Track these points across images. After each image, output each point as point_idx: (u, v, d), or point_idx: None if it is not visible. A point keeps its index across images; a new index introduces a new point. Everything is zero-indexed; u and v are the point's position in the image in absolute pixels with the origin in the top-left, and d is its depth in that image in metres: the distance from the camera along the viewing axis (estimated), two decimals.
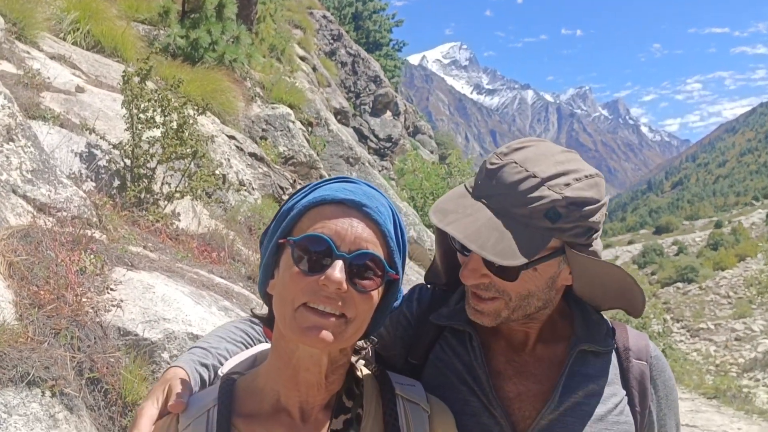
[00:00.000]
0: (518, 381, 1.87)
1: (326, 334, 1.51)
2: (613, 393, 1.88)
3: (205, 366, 1.82)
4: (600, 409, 1.85)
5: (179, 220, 7.34)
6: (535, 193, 1.69)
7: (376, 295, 1.61)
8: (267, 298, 1.72)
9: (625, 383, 1.92)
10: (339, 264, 1.52)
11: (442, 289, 2.09)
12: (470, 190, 1.81)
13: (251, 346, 1.94)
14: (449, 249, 1.94)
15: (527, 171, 1.72)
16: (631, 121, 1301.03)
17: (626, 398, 1.91)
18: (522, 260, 1.66)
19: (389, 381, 1.76)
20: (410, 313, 2.04)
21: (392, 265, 1.64)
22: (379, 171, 22.20)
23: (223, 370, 1.82)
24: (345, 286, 1.52)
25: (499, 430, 1.83)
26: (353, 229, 1.57)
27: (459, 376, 1.89)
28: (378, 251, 1.59)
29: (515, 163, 1.74)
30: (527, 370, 1.89)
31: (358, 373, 1.78)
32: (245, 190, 9.83)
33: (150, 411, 1.66)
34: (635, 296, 1.89)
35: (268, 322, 1.76)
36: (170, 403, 1.64)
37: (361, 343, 1.77)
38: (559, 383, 1.84)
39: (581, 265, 1.78)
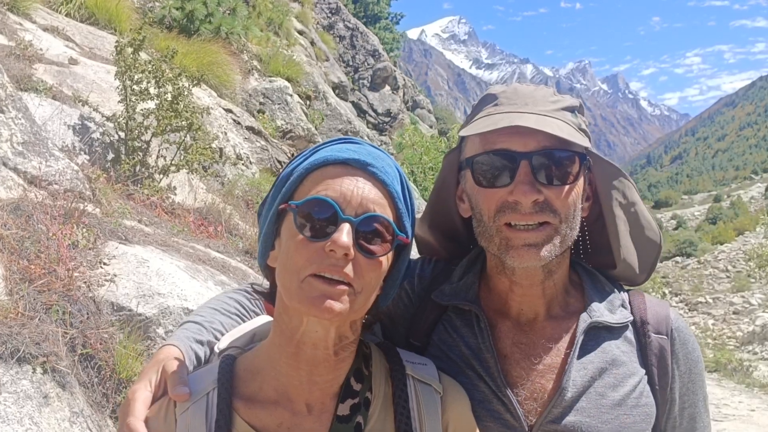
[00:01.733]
0: (526, 365, 1.73)
1: (334, 304, 1.40)
2: (631, 373, 1.74)
3: (200, 342, 1.70)
4: (617, 393, 1.70)
5: (175, 194, 7.23)
6: (557, 96, 1.75)
7: (385, 261, 1.50)
8: (267, 271, 1.61)
9: (644, 360, 1.77)
10: (346, 228, 1.41)
11: (445, 262, 1.95)
12: (491, 111, 1.71)
13: (246, 318, 1.83)
14: (446, 217, 1.89)
15: (535, 86, 1.77)
16: (630, 96, 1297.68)
17: (645, 377, 1.76)
18: (586, 140, 1.68)
19: (399, 360, 1.64)
20: (411, 289, 1.89)
21: (401, 228, 1.53)
22: (379, 145, 22.04)
23: (220, 346, 1.70)
24: (353, 251, 1.41)
25: (510, 418, 1.69)
26: (359, 191, 1.46)
27: (465, 360, 1.75)
28: (386, 213, 1.49)
29: (516, 88, 1.77)
30: (535, 352, 1.74)
31: (368, 351, 1.65)
32: (243, 163, 9.71)
33: (144, 394, 1.53)
34: (649, 223, 1.84)
35: (269, 296, 1.64)
36: (173, 392, 1.51)
37: (370, 317, 1.64)
38: (569, 366, 1.69)
39: (601, 170, 1.78)
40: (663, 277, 47.71)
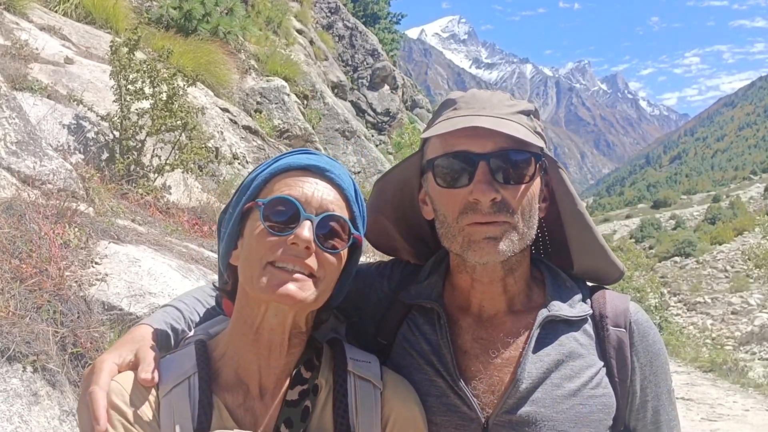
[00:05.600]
0: (485, 359, 1.77)
1: (296, 291, 1.55)
2: (588, 364, 1.78)
3: (176, 331, 1.78)
4: (572, 383, 1.74)
5: (170, 194, 7.25)
6: (513, 101, 1.81)
7: (342, 256, 1.67)
8: (230, 270, 1.73)
9: (603, 353, 1.81)
10: (307, 224, 1.58)
11: (414, 264, 2.03)
12: (451, 115, 1.78)
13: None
14: (413, 218, 1.95)
15: (492, 92, 1.85)
16: (629, 96, 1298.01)
17: (604, 369, 1.80)
18: (541, 142, 1.75)
19: (344, 356, 1.75)
20: (381, 291, 1.97)
21: (356, 227, 1.70)
22: (377, 145, 22.06)
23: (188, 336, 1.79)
24: (313, 245, 1.57)
25: (467, 410, 1.74)
26: (319, 192, 1.64)
27: (424, 356, 1.81)
28: (343, 214, 1.66)
29: (474, 93, 1.84)
30: (494, 347, 1.79)
31: (320, 346, 1.77)
32: (239, 163, 9.72)
33: (111, 366, 1.59)
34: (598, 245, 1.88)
35: (229, 294, 1.75)
36: (142, 376, 1.56)
37: (323, 315, 1.77)
38: (524, 357, 1.74)
39: (558, 179, 1.84)
40: (662, 277, 47.73)
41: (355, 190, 1.73)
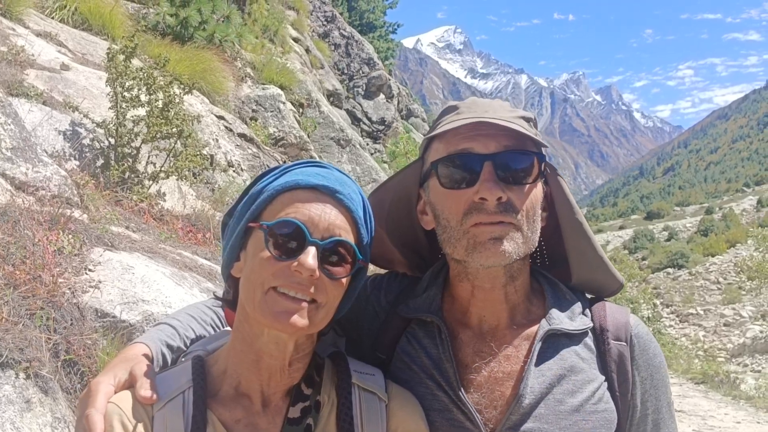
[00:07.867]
0: (487, 373, 1.75)
1: (297, 319, 1.52)
2: (590, 379, 1.76)
3: (171, 348, 1.77)
4: (575, 399, 1.72)
5: (164, 201, 7.25)
6: (513, 108, 1.82)
7: (345, 281, 1.63)
8: (231, 281, 1.70)
9: (604, 367, 1.80)
10: (312, 250, 1.53)
11: (411, 276, 2.01)
12: (453, 119, 1.77)
13: (219, 330, 1.90)
14: (408, 230, 1.95)
15: (491, 99, 1.87)
16: (623, 107, 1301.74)
17: (605, 384, 1.78)
18: (543, 144, 1.76)
19: (347, 369, 1.73)
20: (378, 305, 1.93)
21: (362, 251, 1.65)
22: (372, 154, 22.08)
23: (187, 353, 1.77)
24: (318, 273, 1.53)
25: (471, 426, 1.72)
26: (326, 216, 1.58)
27: (426, 370, 1.79)
28: (350, 238, 1.61)
29: (475, 100, 1.85)
30: (496, 360, 1.76)
31: (321, 361, 1.74)
32: (234, 170, 9.73)
33: (107, 387, 1.58)
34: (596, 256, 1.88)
35: (231, 304, 1.73)
36: (141, 394, 1.57)
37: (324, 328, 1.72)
38: (526, 371, 1.72)
39: (557, 188, 1.84)
40: (654, 288, 47.77)
41: (365, 210, 1.69)
